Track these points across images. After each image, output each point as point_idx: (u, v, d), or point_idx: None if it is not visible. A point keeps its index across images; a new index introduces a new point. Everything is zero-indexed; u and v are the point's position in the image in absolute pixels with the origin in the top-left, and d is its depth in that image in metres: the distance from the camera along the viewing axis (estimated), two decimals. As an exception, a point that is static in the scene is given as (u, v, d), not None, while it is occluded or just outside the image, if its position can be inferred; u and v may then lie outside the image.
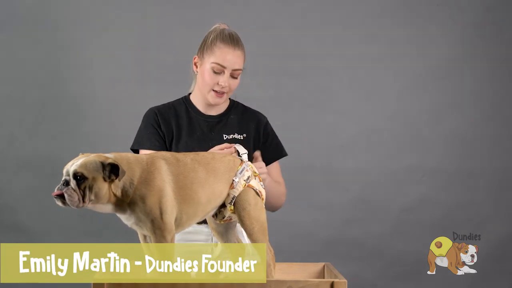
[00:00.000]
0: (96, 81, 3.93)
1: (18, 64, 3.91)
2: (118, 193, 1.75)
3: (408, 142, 4.04)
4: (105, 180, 1.72)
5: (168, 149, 2.37)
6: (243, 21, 3.95)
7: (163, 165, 1.79)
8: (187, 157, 1.85)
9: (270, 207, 2.45)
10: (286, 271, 2.04)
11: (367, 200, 4.02)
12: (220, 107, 2.45)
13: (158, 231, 1.76)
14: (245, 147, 2.33)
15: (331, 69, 4.03)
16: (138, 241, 1.91)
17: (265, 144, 2.45)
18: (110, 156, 1.76)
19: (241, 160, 1.94)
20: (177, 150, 2.32)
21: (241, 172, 1.90)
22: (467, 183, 4.04)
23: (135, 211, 1.77)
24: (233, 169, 1.89)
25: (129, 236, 2.26)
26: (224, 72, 2.32)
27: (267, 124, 2.48)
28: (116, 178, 1.72)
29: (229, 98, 2.49)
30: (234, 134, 2.40)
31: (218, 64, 2.31)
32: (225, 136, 2.38)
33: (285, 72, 3.99)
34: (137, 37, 3.95)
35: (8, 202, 3.88)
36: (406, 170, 4.03)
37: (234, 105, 2.48)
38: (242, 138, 2.41)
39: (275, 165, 2.48)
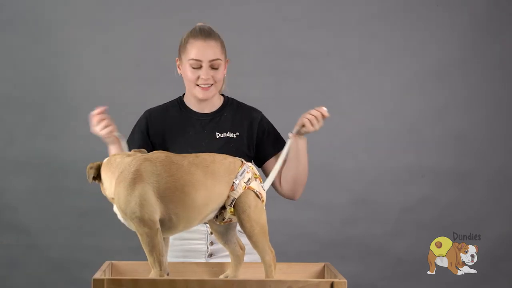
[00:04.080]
0: (96, 81, 3.93)
1: (18, 64, 3.92)
2: (106, 193, 1.87)
3: (408, 142, 4.04)
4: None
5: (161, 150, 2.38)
6: (243, 22, 3.96)
7: (147, 166, 1.80)
8: (185, 159, 1.85)
9: (296, 183, 2.41)
10: (286, 271, 2.03)
11: (367, 200, 4.02)
12: (213, 105, 2.44)
13: (138, 228, 1.79)
14: (238, 146, 2.35)
15: (331, 69, 4.03)
16: (138, 241, 1.91)
17: (262, 139, 2.44)
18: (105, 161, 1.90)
19: (242, 161, 1.94)
20: (172, 150, 2.32)
21: (242, 174, 1.90)
22: (467, 183, 4.05)
23: (117, 207, 1.83)
24: (233, 171, 1.89)
25: (129, 236, 2.26)
26: (202, 65, 2.33)
27: (262, 120, 2.46)
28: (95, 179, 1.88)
29: (223, 95, 2.49)
30: (226, 133, 2.39)
31: (194, 59, 2.33)
32: (218, 135, 2.38)
33: (285, 72, 3.99)
34: (137, 37, 3.95)
35: (8, 202, 3.88)
36: (406, 170, 4.03)
37: (228, 102, 2.47)
38: (235, 136, 2.40)
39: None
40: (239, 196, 1.87)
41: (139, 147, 2.35)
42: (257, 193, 1.90)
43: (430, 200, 4.03)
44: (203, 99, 2.39)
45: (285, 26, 4.00)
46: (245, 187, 1.88)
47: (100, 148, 3.84)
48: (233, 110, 2.44)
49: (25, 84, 3.92)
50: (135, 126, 2.48)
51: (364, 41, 4.03)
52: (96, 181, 1.89)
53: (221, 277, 1.99)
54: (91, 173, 1.87)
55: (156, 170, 1.80)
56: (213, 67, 2.34)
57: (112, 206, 1.88)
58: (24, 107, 3.92)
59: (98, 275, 1.81)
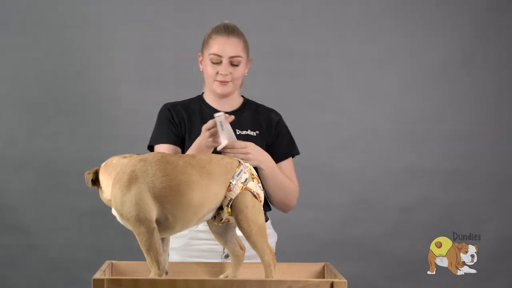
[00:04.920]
0: (96, 81, 3.93)
1: (18, 64, 3.92)
2: (105, 195, 1.87)
3: (408, 142, 4.04)
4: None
5: (181, 144, 2.38)
6: (243, 21, 3.92)
7: (142, 166, 1.81)
8: (180, 160, 1.85)
9: (278, 202, 2.42)
10: (286, 271, 2.03)
11: (367, 200, 4.02)
12: (233, 103, 2.46)
13: (134, 228, 1.80)
14: (257, 144, 2.34)
15: (331, 69, 4.03)
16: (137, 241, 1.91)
17: (275, 141, 2.45)
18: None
19: (239, 162, 1.94)
20: (190, 146, 2.34)
21: (239, 174, 1.89)
22: (467, 183, 4.04)
23: (114, 208, 1.83)
24: (230, 171, 1.89)
25: (129, 236, 2.26)
26: (222, 61, 2.35)
27: (279, 122, 2.48)
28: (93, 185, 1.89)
29: (243, 96, 2.51)
30: (247, 131, 2.40)
31: (214, 54, 2.35)
32: (238, 131, 2.38)
33: (285, 72, 3.99)
34: (137, 37, 3.95)
35: (8, 202, 3.88)
36: (406, 170, 4.03)
37: (247, 103, 2.49)
38: (255, 134, 2.41)
39: (287, 163, 2.46)
40: (236, 197, 1.87)
41: (172, 136, 2.36)
42: (254, 193, 1.90)
43: (430, 200, 4.03)
44: (221, 95, 2.40)
45: (285, 26, 4.00)
46: (242, 187, 1.88)
47: (100, 148, 3.86)
48: (253, 110, 2.47)
49: (25, 84, 3.92)
50: (160, 119, 2.45)
51: (364, 41, 4.03)
52: (96, 187, 1.89)
53: (221, 277, 1.99)
54: (89, 177, 1.87)
55: (151, 170, 1.80)
56: (233, 64, 2.36)
57: (110, 208, 1.88)
58: (24, 107, 3.92)
59: (98, 275, 1.81)
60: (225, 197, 1.87)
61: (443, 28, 4.04)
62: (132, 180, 1.79)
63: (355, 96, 4.04)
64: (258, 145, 2.35)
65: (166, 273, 1.87)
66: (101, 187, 1.88)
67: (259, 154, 2.28)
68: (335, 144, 4.01)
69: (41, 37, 3.91)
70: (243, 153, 2.20)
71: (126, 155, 1.90)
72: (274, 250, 2.49)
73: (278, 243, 2.53)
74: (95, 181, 1.88)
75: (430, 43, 4.03)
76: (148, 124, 3.88)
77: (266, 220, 2.45)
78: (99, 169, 1.88)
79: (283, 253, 2.55)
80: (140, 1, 3.97)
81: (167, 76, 3.93)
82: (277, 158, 2.42)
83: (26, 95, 3.92)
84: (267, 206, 2.47)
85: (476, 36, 4.04)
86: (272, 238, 2.48)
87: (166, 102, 2.52)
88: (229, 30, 2.38)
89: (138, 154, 1.92)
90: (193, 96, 2.53)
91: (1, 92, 3.91)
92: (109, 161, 1.88)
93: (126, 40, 3.95)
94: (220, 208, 1.89)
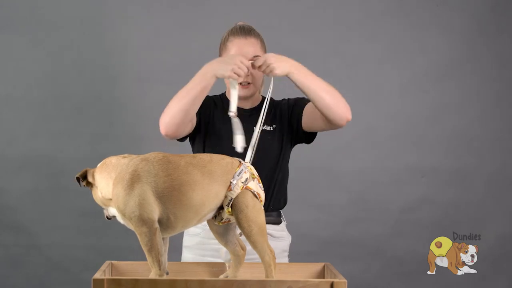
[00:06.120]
0: (96, 81, 3.93)
1: (18, 64, 3.92)
2: (103, 194, 1.86)
3: (408, 142, 4.04)
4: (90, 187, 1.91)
5: (203, 132, 2.40)
6: (243, 21, 3.95)
7: (144, 166, 1.81)
8: (182, 160, 1.85)
9: (331, 110, 2.37)
10: (286, 271, 2.04)
11: (367, 200, 4.02)
12: (254, 102, 2.48)
13: (136, 228, 1.80)
14: (274, 137, 2.40)
15: (331, 69, 4.03)
16: (138, 241, 1.91)
17: (292, 110, 2.46)
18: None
19: (240, 162, 1.94)
20: (210, 139, 2.38)
21: (239, 174, 1.90)
22: (467, 183, 4.05)
23: (116, 208, 1.83)
24: (231, 171, 1.89)
25: (129, 236, 2.26)
26: None
27: (288, 100, 2.51)
28: (87, 185, 1.89)
29: (261, 95, 2.53)
30: (263, 126, 2.41)
31: None
32: (255, 128, 2.38)
33: (285, 72, 3.99)
34: (137, 36, 3.95)
35: (8, 202, 3.88)
36: (406, 170, 4.03)
37: (267, 100, 2.49)
38: (271, 129, 2.43)
39: (309, 106, 2.44)
40: (237, 196, 1.87)
41: None
42: (255, 193, 1.90)
43: (430, 200, 4.03)
44: (243, 97, 2.40)
45: (285, 26, 4.00)
46: (243, 187, 1.88)
47: (100, 148, 3.86)
48: (270, 107, 2.46)
49: (25, 84, 3.92)
50: None
51: (364, 41, 4.03)
52: (89, 187, 1.89)
53: (221, 277, 1.99)
54: (80, 178, 1.87)
55: (154, 170, 1.81)
56: (253, 65, 2.35)
57: (102, 209, 1.89)
58: (24, 107, 3.92)
59: (98, 275, 1.81)
60: (225, 196, 1.88)
61: (443, 28, 4.04)
62: (135, 179, 1.79)
63: (355, 96, 4.03)
64: (275, 138, 2.40)
65: (167, 273, 1.87)
66: (96, 187, 1.87)
67: (281, 60, 2.24)
68: (335, 144, 4.00)
69: (41, 37, 3.92)
70: (267, 68, 2.19)
71: (126, 155, 1.91)
72: (288, 252, 2.51)
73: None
74: (88, 181, 1.88)
75: (430, 43, 4.03)
76: (149, 124, 3.90)
77: (280, 222, 2.46)
78: (88, 170, 1.88)
79: (283, 253, 2.56)
80: (140, 1, 3.97)
81: (167, 76, 3.93)
82: (298, 113, 2.44)
83: (27, 95, 3.92)
84: (284, 203, 2.50)
85: (476, 36, 4.04)
86: (286, 240, 2.50)
87: (167, 102, 2.51)
88: (245, 31, 2.40)
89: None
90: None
91: (1, 92, 3.91)
92: (107, 160, 1.88)
93: (126, 40, 3.94)
94: (221, 207, 1.89)
